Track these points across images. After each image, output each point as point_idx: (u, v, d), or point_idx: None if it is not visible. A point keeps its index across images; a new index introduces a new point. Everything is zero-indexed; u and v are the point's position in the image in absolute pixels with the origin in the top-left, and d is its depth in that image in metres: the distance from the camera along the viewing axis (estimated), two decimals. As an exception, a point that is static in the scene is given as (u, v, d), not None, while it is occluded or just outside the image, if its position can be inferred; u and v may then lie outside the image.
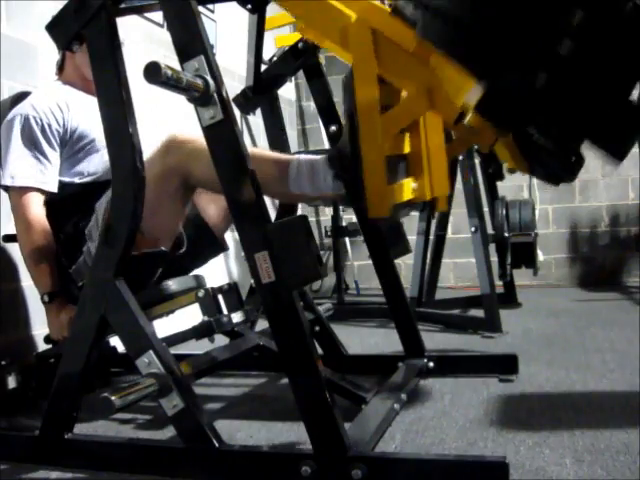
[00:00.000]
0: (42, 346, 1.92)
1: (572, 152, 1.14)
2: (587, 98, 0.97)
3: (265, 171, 1.41)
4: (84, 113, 1.75)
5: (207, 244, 1.76)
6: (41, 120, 1.68)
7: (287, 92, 4.57)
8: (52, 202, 1.71)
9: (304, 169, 1.39)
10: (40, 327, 2.07)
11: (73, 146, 1.74)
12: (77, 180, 1.74)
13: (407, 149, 1.50)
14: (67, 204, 1.70)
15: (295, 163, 1.41)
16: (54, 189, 1.70)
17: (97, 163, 1.76)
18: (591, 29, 0.92)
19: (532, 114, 1.01)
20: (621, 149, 1.09)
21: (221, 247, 1.81)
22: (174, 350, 1.37)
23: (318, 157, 1.36)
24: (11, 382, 1.95)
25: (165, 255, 1.55)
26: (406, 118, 1.36)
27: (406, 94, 1.38)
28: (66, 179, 1.73)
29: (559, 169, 1.15)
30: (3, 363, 1.93)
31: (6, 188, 1.71)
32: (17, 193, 1.67)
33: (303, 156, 1.41)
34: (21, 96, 1.84)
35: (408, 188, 1.47)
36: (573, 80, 0.96)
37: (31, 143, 1.67)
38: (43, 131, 1.68)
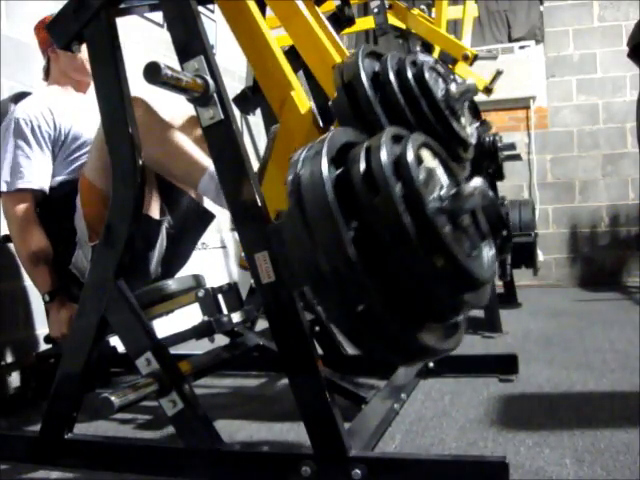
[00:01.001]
0: (42, 346, 1.92)
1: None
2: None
3: (181, 164, 1.51)
4: (76, 114, 1.77)
5: (196, 215, 1.78)
6: (31, 122, 1.70)
7: (287, 92, 4.56)
8: (49, 201, 1.71)
9: (214, 184, 1.45)
10: (40, 327, 2.07)
11: (69, 146, 1.76)
12: (73, 178, 1.75)
13: None
14: (64, 202, 1.70)
15: (210, 173, 1.46)
16: (45, 188, 1.71)
17: None
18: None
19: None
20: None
21: (209, 215, 1.83)
22: (174, 350, 1.37)
23: None
24: (11, 382, 1.95)
25: (156, 223, 1.59)
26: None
27: None
28: (62, 178, 1.74)
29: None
30: (3, 363, 1.93)
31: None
32: (10, 197, 1.68)
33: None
34: (20, 96, 1.84)
35: None
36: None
37: (24, 146, 1.68)
38: (33, 133, 1.70)
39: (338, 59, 1.40)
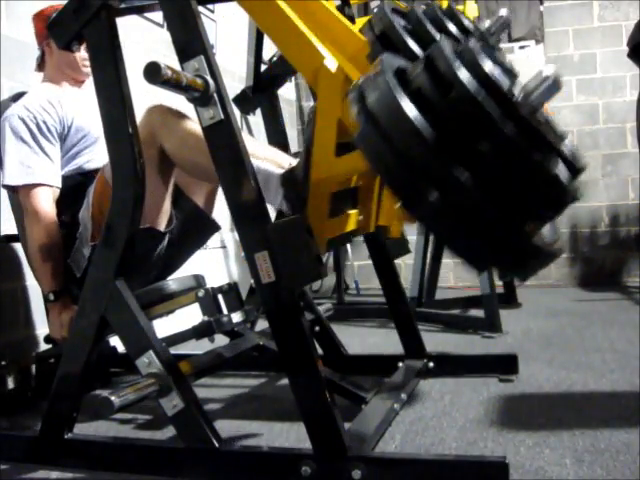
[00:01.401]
0: (42, 346, 1.92)
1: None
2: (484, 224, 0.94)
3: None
4: (76, 107, 1.76)
5: (200, 225, 1.77)
6: (35, 118, 1.69)
7: (287, 92, 4.57)
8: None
9: (259, 177, 1.37)
10: (40, 327, 2.07)
11: (72, 139, 1.75)
12: (77, 171, 1.75)
13: (358, 183, 1.49)
14: (67, 196, 1.70)
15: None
16: (58, 184, 1.70)
17: (96, 152, 1.77)
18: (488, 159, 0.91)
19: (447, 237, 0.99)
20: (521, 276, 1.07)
21: (214, 226, 1.81)
22: (174, 350, 1.37)
23: (274, 171, 1.35)
24: (11, 382, 1.95)
25: (161, 235, 1.58)
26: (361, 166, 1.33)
27: None
28: (65, 171, 1.74)
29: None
30: (3, 363, 1.93)
31: (9, 188, 1.71)
32: (22, 192, 1.67)
33: (263, 165, 1.39)
34: (20, 96, 1.84)
35: (352, 220, 1.48)
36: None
37: (31, 141, 1.67)
38: (39, 128, 1.69)
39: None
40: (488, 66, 0.92)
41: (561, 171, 0.94)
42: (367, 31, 1.27)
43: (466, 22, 1.33)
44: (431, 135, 0.89)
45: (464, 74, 0.90)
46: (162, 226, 1.59)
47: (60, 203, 1.70)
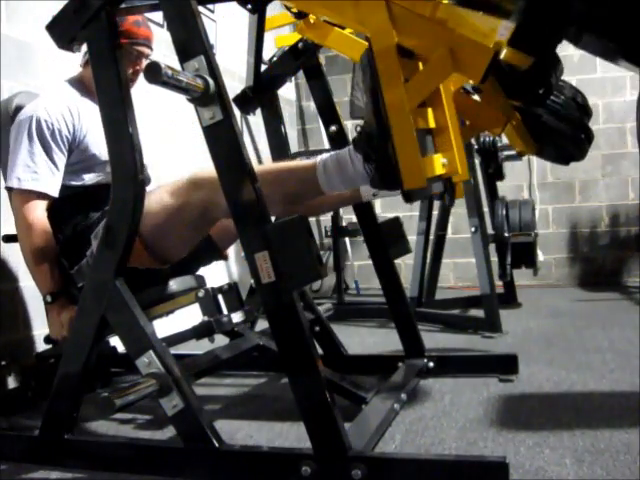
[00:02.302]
0: (42, 346, 1.92)
1: (581, 129, 1.32)
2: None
3: (294, 182, 1.40)
4: (93, 122, 1.72)
5: (206, 252, 1.77)
6: (52, 125, 1.67)
7: (287, 92, 4.57)
8: (53, 203, 1.70)
9: (330, 166, 1.35)
10: (40, 327, 2.07)
11: (80, 154, 1.73)
12: (79, 183, 1.74)
13: (432, 124, 1.45)
14: (68, 206, 1.69)
15: (321, 163, 1.37)
16: (56, 194, 1.70)
17: (100, 168, 1.76)
18: None
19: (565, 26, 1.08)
20: None
21: (220, 256, 1.82)
22: (174, 350, 1.37)
23: (341, 150, 1.33)
24: (11, 382, 1.95)
25: (166, 272, 1.57)
26: (431, 83, 1.34)
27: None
28: (67, 182, 1.73)
29: (570, 146, 1.31)
30: (3, 363, 1.93)
31: (9, 189, 1.71)
32: (21, 195, 1.66)
33: (325, 155, 1.37)
34: (20, 96, 1.84)
35: (438, 163, 1.42)
36: None
37: (41, 147, 1.66)
38: (53, 136, 1.67)
39: None
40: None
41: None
42: None
43: None
44: None
45: None
46: (172, 261, 1.57)
47: (61, 212, 1.69)
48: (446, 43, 1.27)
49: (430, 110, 1.40)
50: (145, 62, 1.77)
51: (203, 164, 1.34)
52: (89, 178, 1.76)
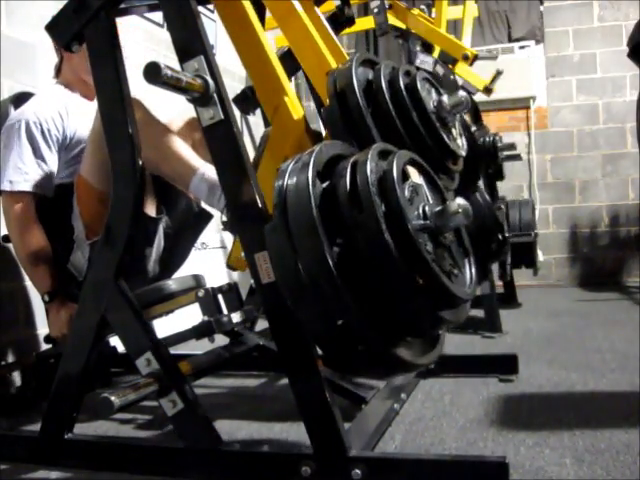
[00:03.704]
0: (42, 346, 1.92)
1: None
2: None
3: (174, 166, 1.53)
4: (81, 118, 1.76)
5: (193, 216, 1.80)
6: (41, 125, 1.69)
7: (287, 92, 4.56)
8: (47, 201, 1.71)
9: (205, 185, 1.47)
10: (40, 327, 2.07)
11: (70, 150, 1.75)
12: (72, 181, 1.74)
13: None
14: (62, 203, 1.70)
15: (200, 174, 1.48)
16: (50, 193, 1.71)
17: None
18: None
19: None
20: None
21: (206, 215, 1.84)
22: (174, 350, 1.37)
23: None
24: (11, 382, 1.95)
25: (154, 222, 1.61)
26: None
27: None
28: (62, 180, 1.73)
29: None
30: (3, 363, 1.93)
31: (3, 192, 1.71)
32: (10, 197, 1.67)
33: (209, 171, 1.47)
34: (21, 96, 1.84)
35: None
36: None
37: (31, 149, 1.68)
38: (44, 136, 1.69)
39: (334, 64, 1.39)
40: (402, 199, 0.97)
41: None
42: (330, 81, 1.28)
43: (424, 94, 1.31)
44: (329, 251, 0.94)
45: (373, 202, 0.95)
46: (151, 212, 1.62)
47: (54, 211, 1.70)
48: None
49: None
50: None
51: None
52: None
